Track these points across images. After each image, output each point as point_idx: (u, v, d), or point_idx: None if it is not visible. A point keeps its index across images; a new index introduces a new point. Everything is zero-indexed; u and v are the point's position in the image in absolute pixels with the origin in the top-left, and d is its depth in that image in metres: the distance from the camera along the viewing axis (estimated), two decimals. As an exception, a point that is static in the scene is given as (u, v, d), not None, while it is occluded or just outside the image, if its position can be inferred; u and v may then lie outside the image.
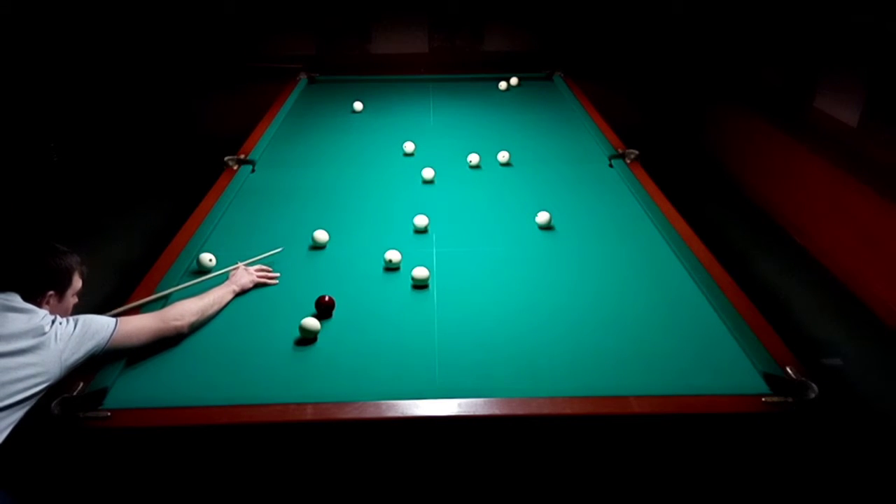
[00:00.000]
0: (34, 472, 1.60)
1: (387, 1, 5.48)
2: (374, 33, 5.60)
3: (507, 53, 5.60)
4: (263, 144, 3.40)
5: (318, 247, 2.43)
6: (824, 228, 3.70)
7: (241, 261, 2.25)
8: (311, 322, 1.89)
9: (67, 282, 1.74)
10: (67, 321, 1.64)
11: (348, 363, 1.81)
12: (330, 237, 2.45)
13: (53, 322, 1.61)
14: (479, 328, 1.96)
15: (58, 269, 1.71)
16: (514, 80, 4.48)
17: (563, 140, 3.55)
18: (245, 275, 2.16)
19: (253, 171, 3.11)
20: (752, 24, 4.93)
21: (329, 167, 3.20)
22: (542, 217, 2.57)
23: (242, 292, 2.12)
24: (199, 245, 2.39)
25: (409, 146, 3.33)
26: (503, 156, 3.21)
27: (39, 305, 1.66)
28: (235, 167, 3.08)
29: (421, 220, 2.55)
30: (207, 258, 2.25)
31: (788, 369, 1.70)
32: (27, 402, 1.53)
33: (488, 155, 3.23)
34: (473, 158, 3.18)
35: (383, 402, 1.62)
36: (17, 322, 1.56)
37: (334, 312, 2.01)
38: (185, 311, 1.88)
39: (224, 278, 2.16)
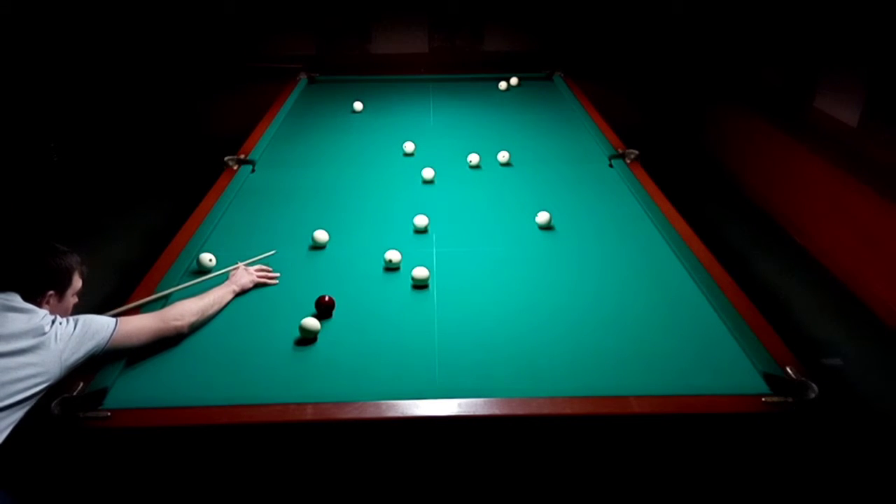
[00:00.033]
0: (34, 472, 1.60)
1: (387, 1, 5.48)
2: (374, 33, 5.60)
3: (507, 53, 5.60)
4: (263, 144, 3.40)
5: (318, 247, 2.43)
6: (824, 228, 3.70)
7: (241, 261, 2.25)
8: (311, 322, 1.89)
9: (67, 282, 1.74)
10: (67, 321, 1.64)
11: (348, 363, 1.81)
12: (330, 237, 2.45)
13: (53, 322, 1.61)
14: (479, 328, 1.96)
15: (58, 268, 1.71)
16: (514, 80, 4.48)
17: (563, 140, 3.55)
18: (245, 275, 2.16)
19: (253, 171, 3.11)
20: (752, 24, 4.93)
21: (329, 167, 3.20)
22: (542, 217, 2.57)
23: (242, 292, 2.12)
24: (199, 245, 2.39)
25: (409, 146, 3.33)
26: (503, 156, 3.21)
27: (39, 305, 1.66)
28: (235, 167, 3.08)
29: (421, 220, 2.55)
30: (207, 258, 2.25)
31: (788, 369, 1.70)
32: (27, 402, 1.53)
33: (488, 155, 3.23)
34: (473, 158, 3.18)
35: (383, 402, 1.62)
36: (17, 322, 1.56)
37: (334, 312, 2.01)
38: (185, 311, 1.88)
39: (224, 278, 2.16)
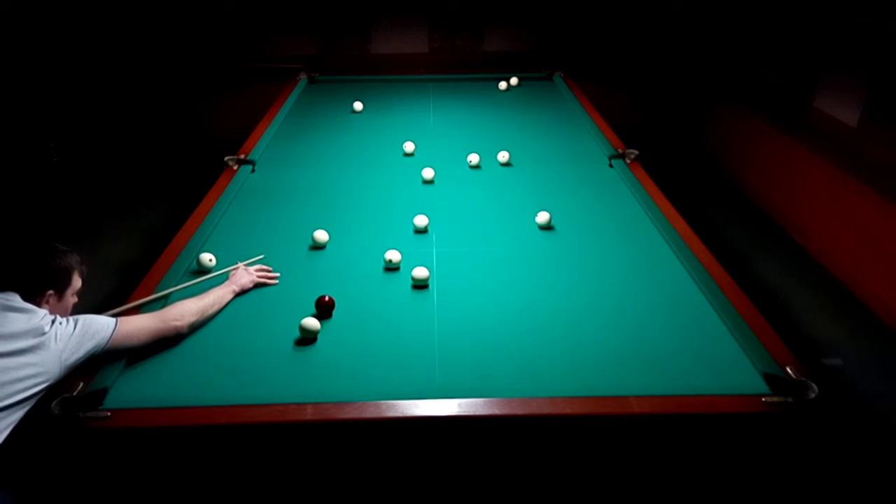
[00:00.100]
0: (34, 472, 1.60)
1: (387, 1, 5.48)
2: (374, 33, 5.60)
3: (507, 53, 5.60)
4: (263, 144, 3.40)
5: (318, 247, 2.43)
6: (824, 228, 3.70)
7: (241, 261, 2.25)
8: (311, 322, 1.89)
9: (67, 281, 1.74)
10: (67, 321, 1.64)
11: (348, 363, 1.81)
12: (330, 237, 2.45)
13: (53, 322, 1.61)
14: (479, 328, 1.96)
15: (57, 268, 1.71)
16: (514, 80, 4.48)
17: (563, 140, 3.55)
18: (245, 275, 2.16)
19: (253, 171, 3.11)
20: (752, 24, 4.93)
21: (329, 167, 3.20)
22: (542, 217, 2.57)
23: (242, 292, 2.12)
24: (199, 245, 2.39)
25: (409, 146, 3.33)
26: (503, 156, 3.21)
27: (39, 305, 1.66)
28: (235, 167, 3.08)
29: (421, 220, 2.55)
30: (207, 258, 2.25)
31: (788, 369, 1.71)
32: (27, 402, 1.53)
33: (488, 155, 3.23)
34: (473, 158, 3.18)
35: (383, 402, 1.62)
36: (16, 322, 1.56)
37: (334, 312, 2.01)
38: (184, 311, 1.88)
39: (224, 278, 2.16)
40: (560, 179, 3.05)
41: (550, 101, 4.23)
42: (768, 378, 1.70)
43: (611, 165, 3.17)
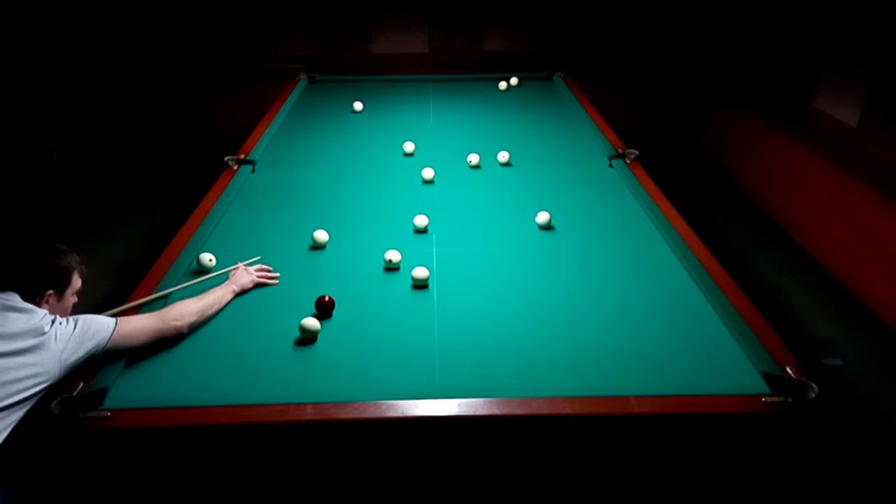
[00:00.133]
0: (34, 472, 1.60)
1: (387, 1, 5.48)
2: (374, 33, 5.60)
3: (507, 53, 5.60)
4: (263, 144, 3.40)
5: (318, 247, 2.43)
6: (824, 228, 3.70)
7: (241, 261, 2.25)
8: (311, 322, 1.89)
9: (67, 281, 1.74)
10: (67, 321, 1.64)
11: (348, 363, 1.81)
12: (330, 237, 2.45)
13: (53, 322, 1.61)
14: (479, 328, 1.96)
15: (57, 268, 1.71)
16: (514, 80, 4.48)
17: (563, 140, 3.55)
18: (245, 275, 2.16)
19: (253, 171, 3.11)
20: (752, 24, 4.93)
21: (329, 167, 3.20)
22: (542, 217, 2.57)
23: (242, 292, 2.12)
24: (199, 245, 2.39)
25: (409, 146, 3.33)
26: (503, 156, 3.21)
27: (39, 305, 1.66)
28: (235, 167, 3.08)
29: (421, 220, 2.55)
30: (207, 258, 2.25)
31: (788, 369, 1.70)
32: (27, 402, 1.53)
33: (488, 155, 3.23)
34: (473, 158, 3.18)
35: (383, 402, 1.62)
36: (16, 322, 1.56)
37: (334, 312, 2.01)
38: (184, 311, 1.88)
39: (224, 278, 2.16)
40: (560, 179, 3.05)
41: (550, 101, 4.23)
42: (768, 378, 1.70)
43: (611, 165, 3.17)
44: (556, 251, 2.42)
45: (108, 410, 1.58)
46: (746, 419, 1.61)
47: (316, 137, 3.59)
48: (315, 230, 2.44)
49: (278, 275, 2.23)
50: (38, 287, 1.67)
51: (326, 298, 2.00)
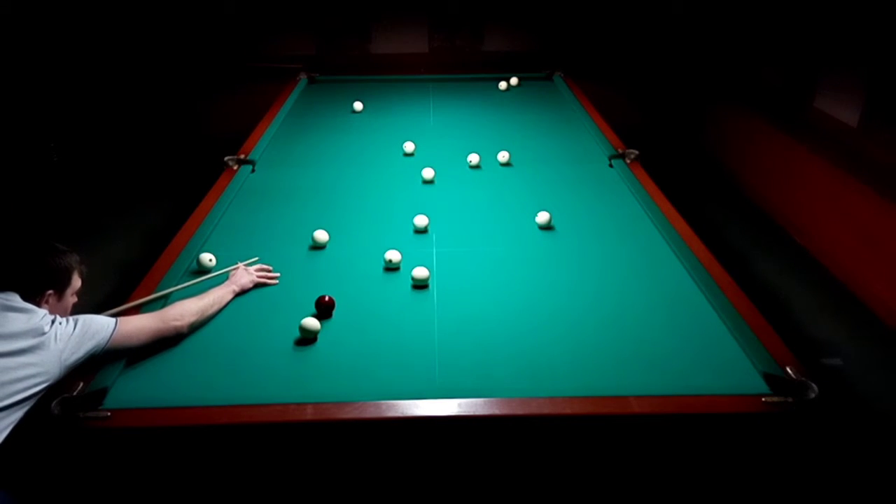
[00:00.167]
0: (34, 472, 1.60)
1: (387, 1, 5.48)
2: (374, 33, 5.60)
3: (507, 53, 5.60)
4: (263, 144, 3.40)
5: (318, 247, 2.43)
6: (824, 228, 3.70)
7: (241, 261, 2.25)
8: (311, 322, 1.89)
9: (67, 281, 1.74)
10: (67, 321, 1.64)
11: (348, 363, 1.81)
12: (330, 237, 2.45)
13: (53, 322, 1.61)
14: (479, 328, 1.96)
15: (57, 268, 1.71)
16: (514, 80, 4.48)
17: (563, 140, 3.55)
18: (245, 275, 2.16)
19: (253, 171, 3.11)
20: (752, 24, 4.93)
21: (329, 167, 3.20)
22: (542, 217, 2.57)
23: (242, 292, 2.12)
24: (199, 245, 2.39)
25: (409, 146, 3.33)
26: (503, 156, 3.21)
27: (39, 305, 1.66)
28: (235, 167, 3.08)
29: (421, 220, 2.55)
30: (207, 258, 2.25)
31: (788, 369, 1.70)
32: (27, 402, 1.53)
33: (488, 155, 3.23)
34: (473, 158, 3.18)
35: (383, 402, 1.61)
36: (16, 322, 1.56)
37: (334, 312, 2.01)
38: (184, 311, 1.88)
39: (224, 278, 2.16)
40: (560, 179, 3.05)
41: (550, 101, 4.23)
42: (768, 378, 1.70)
43: (611, 165, 3.17)
44: (556, 251, 2.42)
45: (108, 410, 1.58)
46: (746, 419, 1.61)
47: (316, 137, 3.59)
48: (315, 230, 2.44)
49: (278, 275, 2.23)
50: (38, 287, 1.67)
51: (326, 298, 2.00)
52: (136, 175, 4.88)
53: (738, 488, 1.72)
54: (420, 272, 2.16)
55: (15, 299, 1.62)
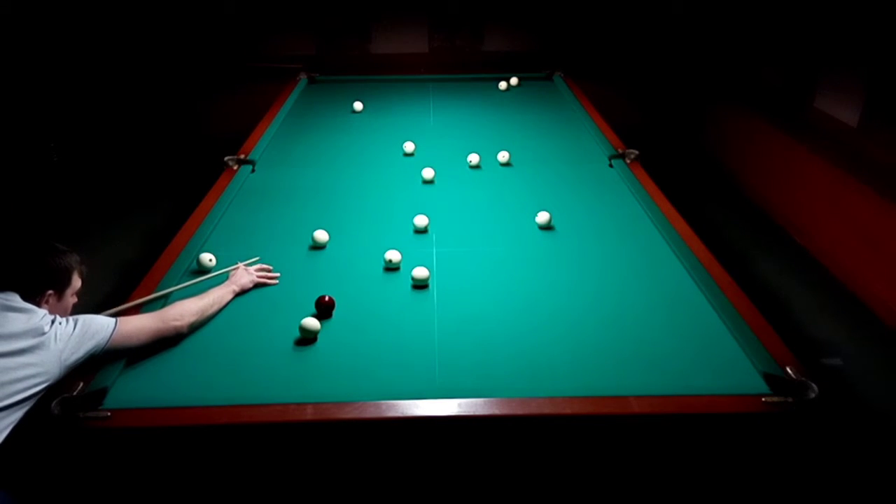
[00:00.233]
0: (34, 472, 1.60)
1: (387, 1, 5.48)
2: (374, 33, 5.60)
3: (507, 53, 5.60)
4: (263, 144, 3.40)
5: (318, 247, 2.43)
6: (824, 228, 3.71)
7: (241, 261, 2.25)
8: (311, 322, 1.89)
9: (67, 281, 1.74)
10: (67, 321, 1.64)
11: (348, 363, 1.81)
12: (330, 237, 2.45)
13: (53, 322, 1.61)
14: (479, 328, 1.96)
15: (57, 268, 1.71)
16: (514, 80, 4.48)
17: (563, 140, 3.55)
18: (245, 275, 2.16)
19: (253, 171, 3.11)
20: (752, 24, 4.93)
21: (329, 167, 3.20)
22: (542, 217, 2.57)
23: (242, 292, 2.12)
24: (199, 245, 2.39)
25: (409, 146, 3.33)
26: (503, 156, 3.21)
27: (39, 305, 1.66)
28: (235, 167, 3.08)
29: (421, 220, 2.55)
30: (207, 258, 2.25)
31: (788, 369, 1.70)
32: (27, 402, 1.53)
33: (488, 155, 3.23)
34: (473, 158, 3.18)
35: (383, 402, 1.61)
36: (16, 322, 1.56)
37: (334, 312, 2.01)
38: (184, 311, 1.88)
39: (224, 278, 2.16)
40: (560, 179, 3.05)
41: (550, 101, 4.23)
42: (768, 378, 1.70)
43: (611, 165, 3.17)
44: (556, 251, 2.42)
45: (108, 410, 1.58)
46: (746, 419, 1.61)
47: (316, 137, 3.59)
48: (315, 230, 2.44)
49: (278, 275, 2.23)
50: (38, 287, 1.67)
51: (326, 298, 2.00)
52: (136, 175, 4.88)
53: (738, 488, 1.72)
54: (420, 272, 2.16)
55: (15, 299, 1.62)
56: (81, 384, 1.65)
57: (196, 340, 1.89)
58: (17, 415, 1.51)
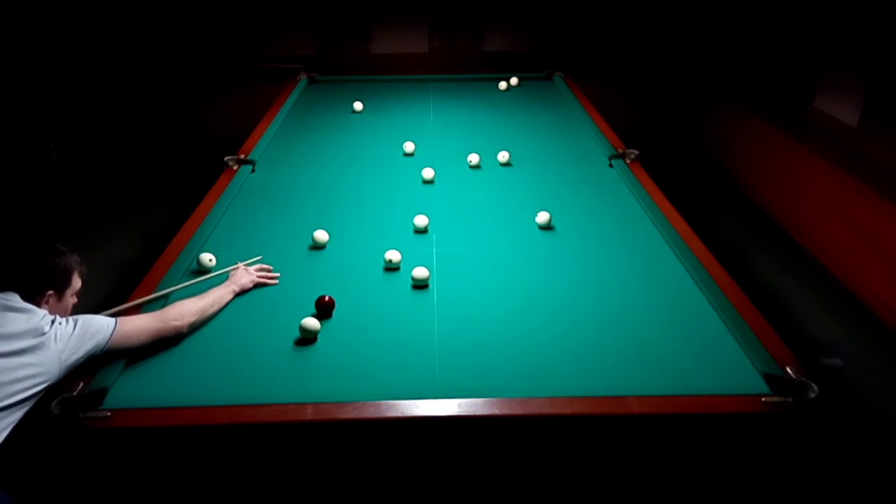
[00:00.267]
0: (34, 472, 1.60)
1: (387, 1, 5.48)
2: (374, 33, 5.60)
3: (507, 53, 5.60)
4: (263, 144, 3.40)
5: (318, 247, 2.43)
6: (824, 228, 3.71)
7: (241, 261, 2.25)
8: (311, 322, 1.89)
9: (67, 281, 1.74)
10: (67, 321, 1.64)
11: (348, 363, 1.81)
12: (330, 237, 2.45)
13: (53, 322, 1.61)
14: (479, 328, 1.96)
15: (57, 268, 1.71)
16: (514, 80, 4.48)
17: (563, 140, 3.55)
18: (245, 275, 2.16)
19: (253, 171, 3.11)
20: (752, 24, 4.93)
21: (329, 167, 3.20)
22: (542, 217, 2.57)
23: (242, 292, 2.12)
24: (199, 245, 2.39)
25: (409, 146, 3.33)
26: (503, 156, 3.21)
27: (39, 305, 1.66)
28: (235, 167, 3.08)
29: (421, 220, 2.55)
30: (207, 258, 2.25)
31: (788, 369, 1.70)
32: (27, 402, 1.53)
33: (488, 155, 3.23)
34: (473, 158, 3.18)
35: (383, 402, 1.61)
36: (16, 322, 1.56)
37: (334, 312, 2.01)
38: (184, 311, 1.88)
39: (224, 278, 2.16)
40: (560, 179, 3.05)
41: (550, 101, 4.23)
42: (768, 378, 1.70)
43: (611, 165, 3.17)
44: (556, 251, 2.42)
45: (108, 410, 1.58)
46: (746, 419, 1.61)
47: (316, 137, 3.59)
48: (315, 230, 2.44)
49: (278, 275, 2.23)
50: (38, 287, 1.67)
51: (326, 298, 2.00)
52: (136, 175, 4.88)
53: (738, 488, 1.72)
54: (420, 272, 2.16)
55: (15, 299, 1.62)
56: (81, 384, 1.65)
57: (196, 340, 1.89)
58: (17, 415, 1.51)
